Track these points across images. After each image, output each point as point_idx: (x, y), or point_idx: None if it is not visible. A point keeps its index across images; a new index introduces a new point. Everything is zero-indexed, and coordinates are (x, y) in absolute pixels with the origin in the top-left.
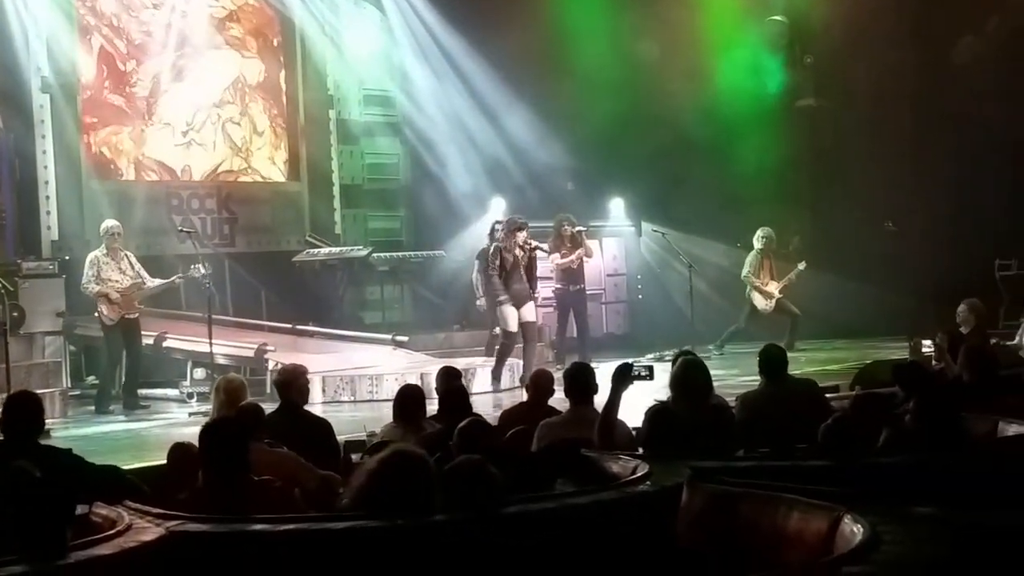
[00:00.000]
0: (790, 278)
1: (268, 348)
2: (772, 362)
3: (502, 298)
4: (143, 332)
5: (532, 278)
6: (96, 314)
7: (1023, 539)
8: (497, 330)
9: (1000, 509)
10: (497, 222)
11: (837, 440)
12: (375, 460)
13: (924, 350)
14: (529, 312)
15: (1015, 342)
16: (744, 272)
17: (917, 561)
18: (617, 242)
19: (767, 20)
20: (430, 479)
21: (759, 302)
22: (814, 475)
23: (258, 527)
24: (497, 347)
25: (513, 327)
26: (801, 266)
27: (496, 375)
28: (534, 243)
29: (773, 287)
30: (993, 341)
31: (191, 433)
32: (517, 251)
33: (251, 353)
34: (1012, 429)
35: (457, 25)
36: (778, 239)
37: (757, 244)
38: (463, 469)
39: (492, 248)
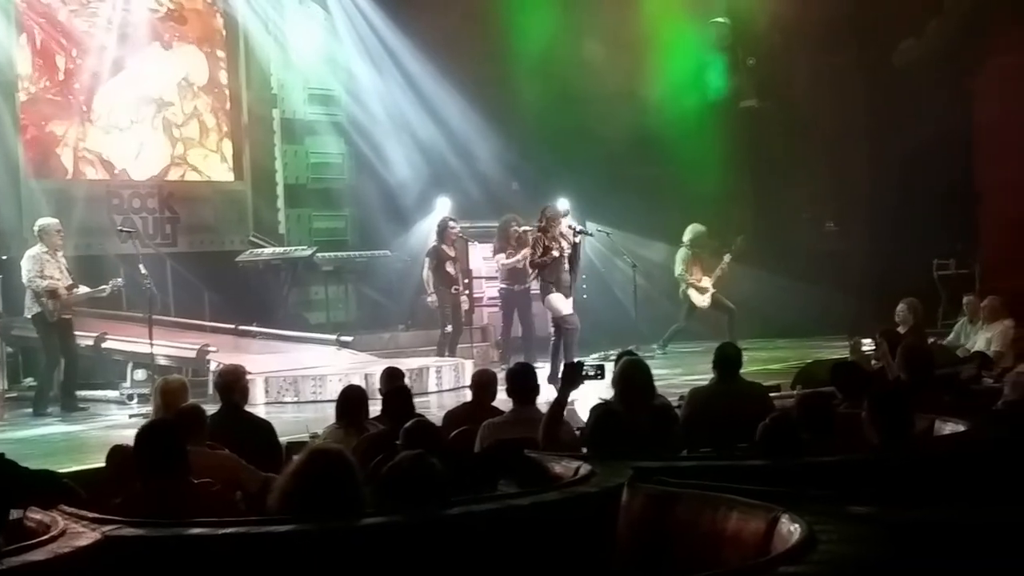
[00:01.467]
0: (722, 269)
1: (210, 349)
2: (727, 360)
3: (544, 287)
4: (83, 333)
5: (575, 269)
6: (31, 315)
7: (958, 537)
8: (448, 328)
9: (935, 507)
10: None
11: (774, 440)
12: (296, 462)
13: (864, 349)
14: (569, 304)
15: (952, 340)
16: (678, 271)
17: (853, 560)
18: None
19: (710, 22)
20: (352, 476)
21: (696, 299)
22: (754, 475)
23: (196, 531)
24: (553, 341)
25: (566, 311)
26: (727, 259)
27: (557, 372)
28: (578, 227)
29: (707, 283)
30: (931, 340)
31: (131, 435)
32: (563, 241)
33: (193, 354)
34: (948, 427)
35: (402, 24)
36: (721, 239)
37: (686, 241)
38: (404, 464)
39: (534, 237)
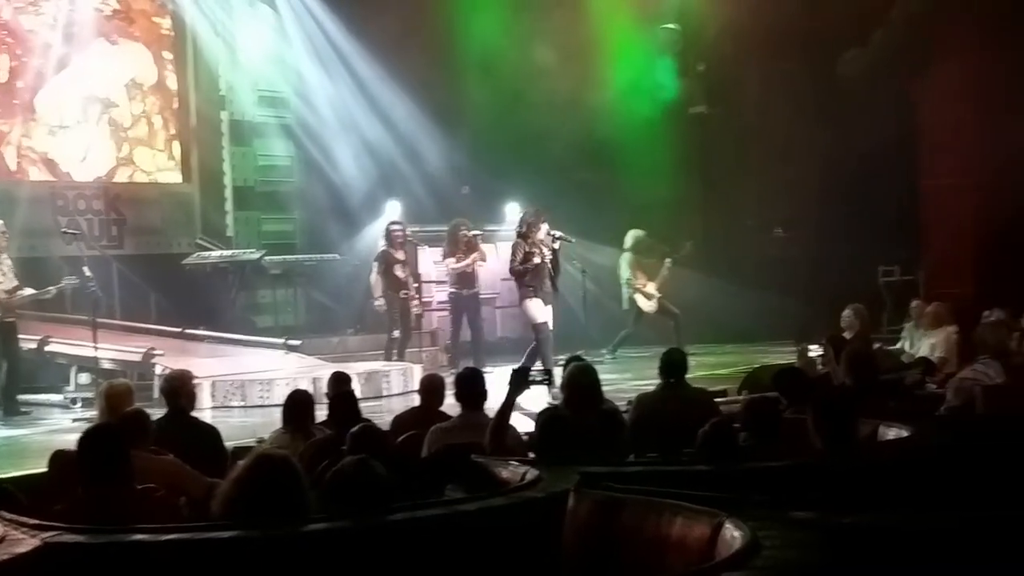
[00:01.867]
0: (663, 277)
1: (156, 352)
2: (673, 365)
3: (524, 292)
4: (26, 336)
5: (555, 274)
6: None
7: (901, 542)
8: (397, 333)
9: (878, 512)
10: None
11: (714, 445)
12: (240, 467)
13: (811, 354)
14: (550, 312)
15: (898, 347)
16: (625, 276)
17: (796, 565)
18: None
19: (660, 27)
20: (298, 482)
21: (643, 304)
22: (699, 480)
23: (138, 537)
24: (531, 346)
25: (541, 317)
26: (668, 263)
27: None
28: (558, 233)
29: (652, 288)
30: (876, 346)
31: (73, 440)
32: (543, 247)
33: (138, 357)
34: (892, 433)
35: (352, 27)
36: (670, 244)
37: (628, 246)
38: (347, 469)
39: (514, 242)
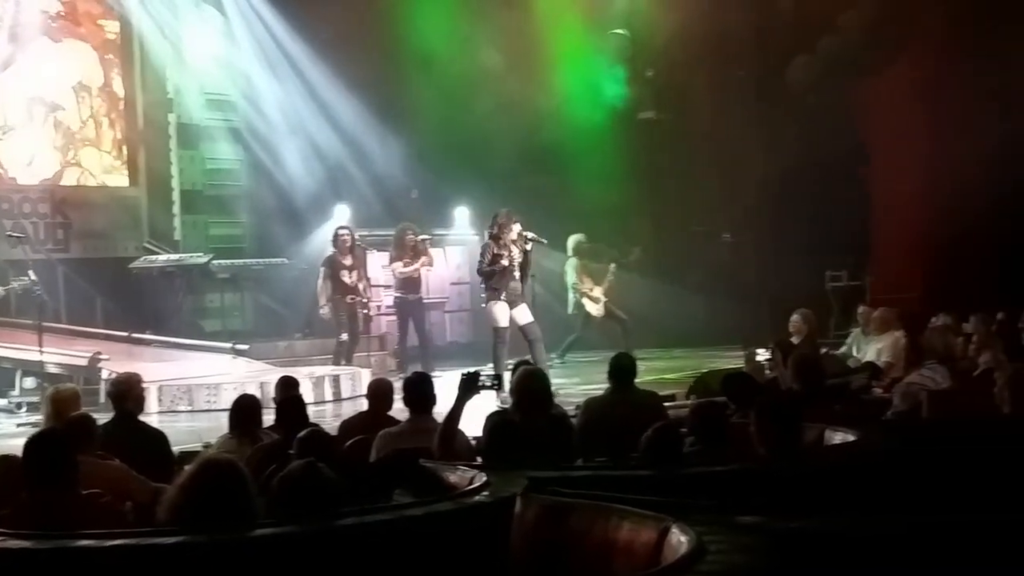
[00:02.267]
0: (609, 281)
1: (103, 357)
2: (621, 370)
3: (490, 294)
4: None
5: (526, 275)
6: None
7: (847, 547)
8: (345, 337)
9: (824, 517)
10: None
11: (657, 450)
12: (185, 473)
13: (759, 359)
14: (524, 313)
15: (845, 351)
16: (571, 281)
17: (741, 570)
18: (461, 251)
19: (609, 33)
20: (244, 487)
21: (591, 308)
22: (647, 484)
23: (83, 543)
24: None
25: (502, 323)
26: (612, 268)
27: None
28: (530, 234)
29: (598, 292)
30: (824, 350)
31: (18, 445)
32: (513, 247)
33: (85, 362)
34: (838, 437)
35: (300, 29)
36: (619, 249)
37: (571, 251)
38: (294, 473)
39: (484, 243)
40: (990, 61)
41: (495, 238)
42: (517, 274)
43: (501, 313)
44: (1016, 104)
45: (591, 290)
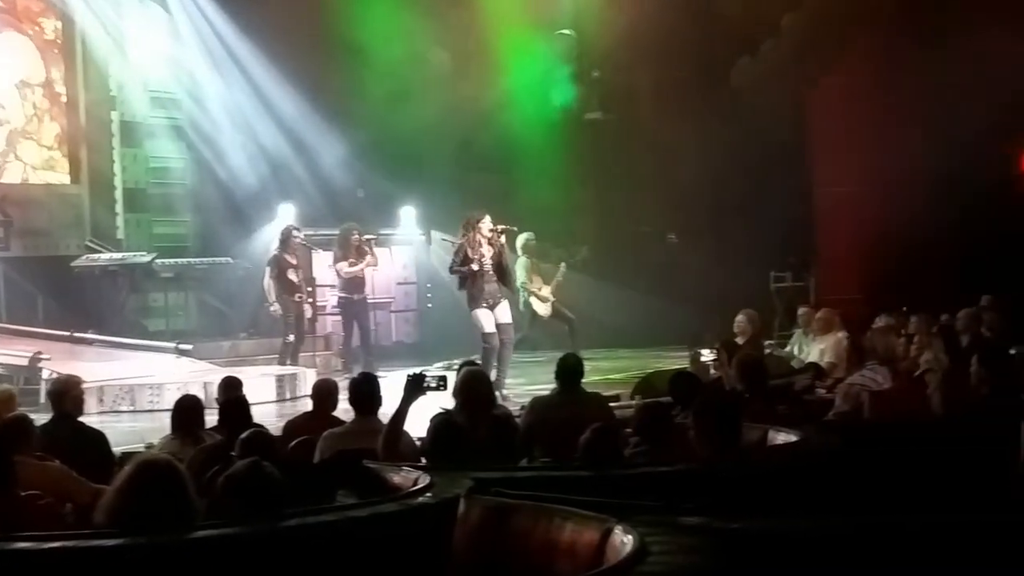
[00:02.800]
0: (557, 281)
1: (43, 356)
2: (568, 371)
3: (471, 302)
4: None
5: (503, 274)
6: None
7: (789, 547)
8: (291, 337)
9: (766, 517)
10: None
11: (596, 451)
12: (122, 475)
13: (703, 359)
14: (504, 312)
15: (788, 351)
16: (520, 280)
17: (683, 571)
18: (407, 251)
19: (556, 33)
20: (182, 487)
21: (539, 308)
22: (588, 485)
23: (20, 545)
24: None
25: (488, 328)
26: (563, 267)
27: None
28: (501, 227)
29: (547, 291)
30: (768, 351)
31: None
32: (485, 246)
33: (25, 361)
34: (780, 437)
35: (245, 27)
36: (565, 249)
37: (520, 251)
38: (239, 473)
39: (458, 244)
40: (929, 64)
41: (466, 238)
42: (491, 276)
43: (485, 319)
44: (955, 106)
45: (540, 289)
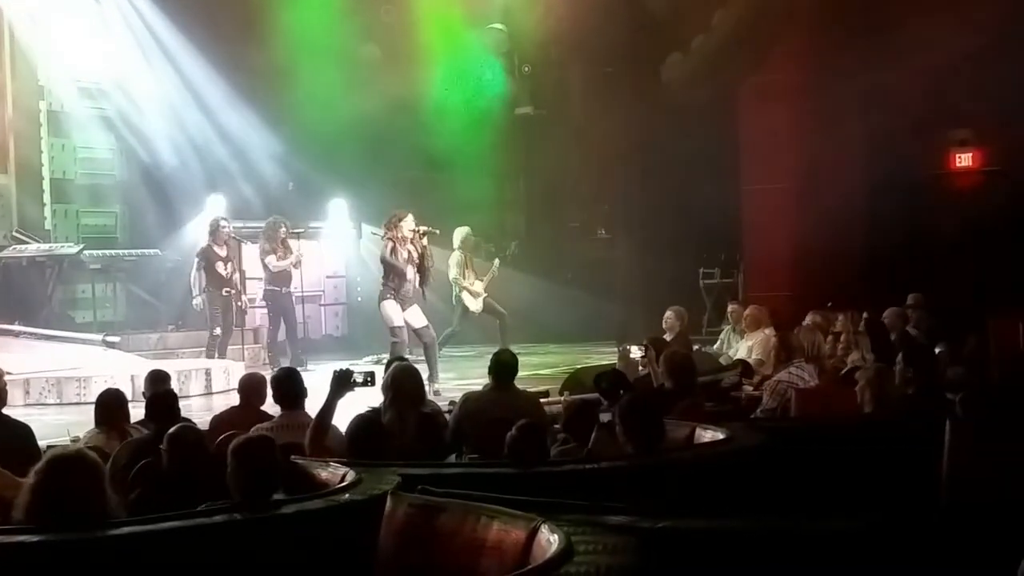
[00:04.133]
0: (492, 274)
1: None
2: (503, 367)
3: (383, 292)
4: None
5: (424, 274)
6: None
7: (715, 545)
8: (218, 331)
9: (692, 515)
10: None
11: (521, 449)
12: (33, 473)
13: (632, 355)
14: (416, 316)
15: (716, 348)
16: (453, 274)
17: (610, 570)
18: (337, 244)
19: (487, 28)
20: (95, 479)
21: (470, 303)
22: (515, 483)
23: None
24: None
25: (396, 321)
26: (496, 263)
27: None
28: (424, 228)
29: (479, 286)
30: (696, 347)
31: None
32: (409, 246)
33: None
34: (708, 435)
35: (175, 19)
36: (496, 244)
37: (457, 245)
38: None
39: (387, 248)
40: (858, 62)
41: (386, 235)
42: (412, 274)
43: (394, 311)
44: (884, 104)
45: (472, 284)
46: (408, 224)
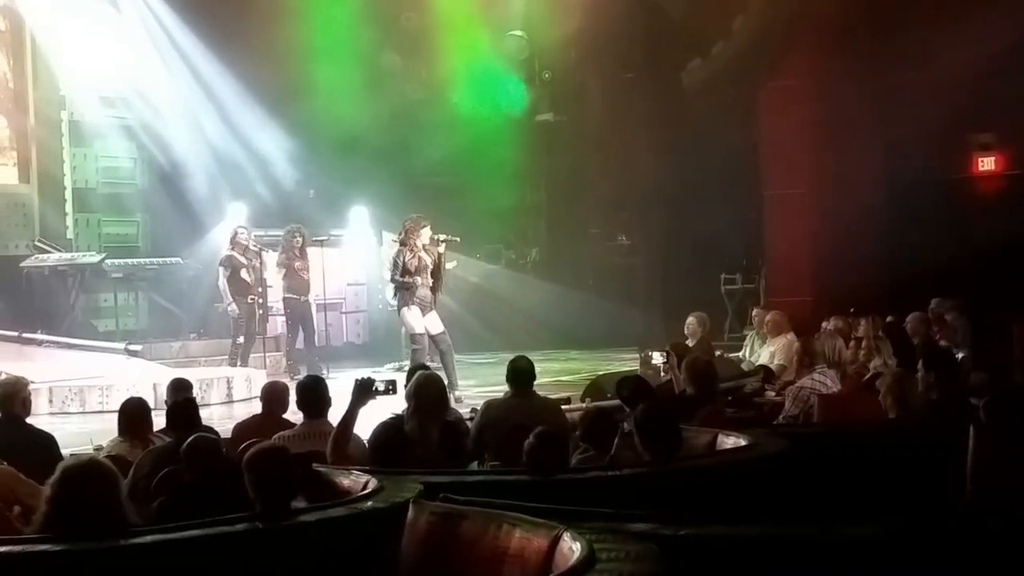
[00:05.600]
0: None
1: None
2: (519, 374)
3: (401, 300)
4: None
5: (438, 281)
6: None
7: (737, 552)
8: (241, 339)
9: (715, 522)
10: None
11: (541, 456)
12: (49, 485)
13: (654, 362)
14: (435, 323)
15: (739, 354)
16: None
17: None
18: (358, 252)
19: (507, 35)
20: (110, 488)
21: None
22: (536, 490)
23: None
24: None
25: (417, 329)
26: (451, 265)
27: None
28: (442, 236)
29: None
30: (718, 353)
31: None
32: (422, 253)
33: None
34: (730, 441)
35: (197, 28)
36: (517, 251)
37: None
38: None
39: (395, 250)
40: (878, 66)
41: (403, 243)
42: (428, 281)
43: (414, 319)
44: (907, 108)
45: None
46: (427, 233)
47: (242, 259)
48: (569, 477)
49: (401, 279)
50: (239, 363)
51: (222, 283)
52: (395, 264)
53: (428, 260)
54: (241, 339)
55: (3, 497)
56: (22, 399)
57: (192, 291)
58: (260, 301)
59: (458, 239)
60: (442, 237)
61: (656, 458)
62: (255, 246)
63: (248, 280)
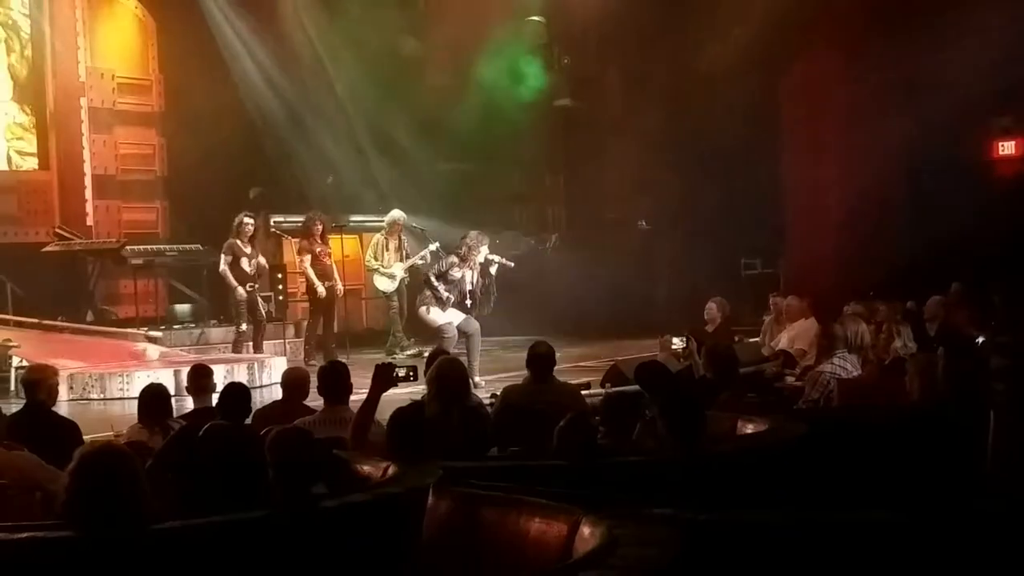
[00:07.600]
0: (417, 259)
1: (12, 344)
2: (539, 360)
3: (428, 298)
4: None
5: (486, 300)
6: None
7: (758, 537)
8: (244, 327)
9: (736, 508)
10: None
11: (571, 441)
12: (67, 472)
13: (674, 347)
14: (455, 312)
15: (759, 339)
16: (367, 257)
17: (653, 563)
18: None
19: (526, 20)
20: (131, 473)
21: (379, 282)
22: (558, 476)
23: None
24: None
25: (441, 321)
26: (428, 249)
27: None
28: (496, 258)
29: (398, 268)
30: (737, 338)
31: None
32: (468, 271)
33: None
34: (750, 427)
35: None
36: (537, 237)
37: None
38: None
39: (450, 259)
40: (898, 50)
41: (463, 259)
42: (464, 296)
43: (436, 315)
44: (927, 92)
45: (390, 266)
46: (484, 252)
47: (243, 247)
48: (590, 462)
49: (435, 283)
50: (245, 351)
51: (223, 269)
52: (439, 269)
53: (470, 282)
54: (244, 326)
55: (25, 484)
56: (48, 387)
57: (212, 277)
58: (257, 288)
59: (512, 264)
60: (496, 259)
61: (679, 444)
62: (275, 232)
63: (247, 268)
